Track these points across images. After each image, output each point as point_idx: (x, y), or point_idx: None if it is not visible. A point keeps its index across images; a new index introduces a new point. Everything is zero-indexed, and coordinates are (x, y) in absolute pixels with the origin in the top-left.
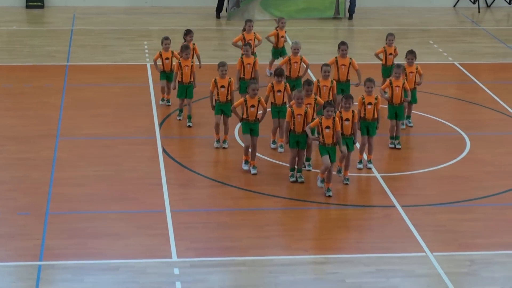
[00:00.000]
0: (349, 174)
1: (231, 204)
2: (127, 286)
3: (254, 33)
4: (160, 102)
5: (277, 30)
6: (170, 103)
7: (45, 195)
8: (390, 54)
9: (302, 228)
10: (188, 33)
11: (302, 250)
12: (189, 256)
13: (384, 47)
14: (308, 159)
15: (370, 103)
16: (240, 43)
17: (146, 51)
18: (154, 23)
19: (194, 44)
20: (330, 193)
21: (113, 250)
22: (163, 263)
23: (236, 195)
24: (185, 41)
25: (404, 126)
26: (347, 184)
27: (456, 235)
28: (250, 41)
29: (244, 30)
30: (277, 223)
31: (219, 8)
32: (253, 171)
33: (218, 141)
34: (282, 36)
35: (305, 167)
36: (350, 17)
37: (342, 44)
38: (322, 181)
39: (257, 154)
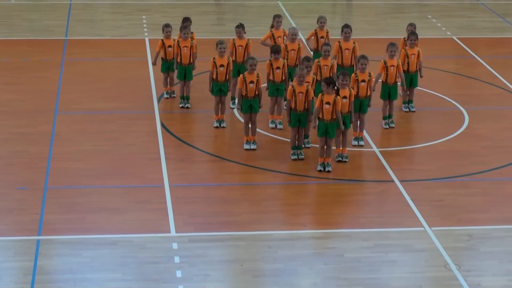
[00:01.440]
0: (347, 149)
1: (230, 179)
2: (126, 260)
3: (283, 29)
4: (165, 96)
5: (316, 31)
6: (175, 95)
7: (43, 170)
8: None
9: (301, 203)
10: (185, 20)
11: (300, 225)
12: (188, 231)
13: (404, 38)
14: (306, 137)
15: (363, 80)
16: (269, 41)
17: (145, 25)
18: None
19: (192, 33)
20: (330, 168)
21: (111, 225)
22: (161, 237)
23: (235, 170)
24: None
25: (408, 110)
26: (345, 161)
27: (455, 210)
28: (279, 38)
29: (272, 26)
30: (276, 198)
31: None
32: (252, 146)
33: (218, 120)
34: (322, 37)
35: (304, 145)
36: None
37: (346, 27)
38: (322, 164)
39: (257, 129)
